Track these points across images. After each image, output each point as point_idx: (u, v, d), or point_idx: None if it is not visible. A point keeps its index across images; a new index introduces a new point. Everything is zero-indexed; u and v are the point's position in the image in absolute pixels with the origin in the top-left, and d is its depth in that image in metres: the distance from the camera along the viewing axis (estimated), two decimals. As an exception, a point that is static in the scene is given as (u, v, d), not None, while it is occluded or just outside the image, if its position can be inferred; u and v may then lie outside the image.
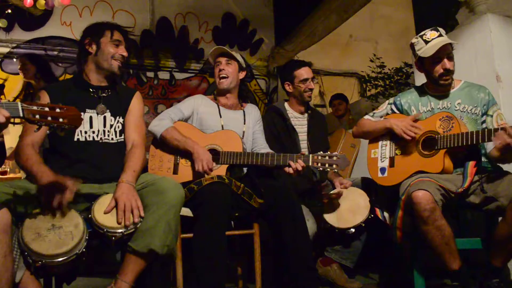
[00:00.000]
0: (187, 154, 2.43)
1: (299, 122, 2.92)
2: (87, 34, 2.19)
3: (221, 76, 2.64)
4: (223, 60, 2.66)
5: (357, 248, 2.66)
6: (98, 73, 2.19)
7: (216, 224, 2.12)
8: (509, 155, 2.13)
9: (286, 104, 2.98)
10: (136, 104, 2.28)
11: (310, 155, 2.33)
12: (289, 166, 2.32)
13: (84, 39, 2.19)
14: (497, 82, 2.78)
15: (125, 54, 2.19)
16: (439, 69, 2.35)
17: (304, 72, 2.90)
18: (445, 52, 2.33)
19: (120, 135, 2.19)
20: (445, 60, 2.34)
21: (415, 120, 2.40)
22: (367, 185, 2.73)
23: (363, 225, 2.54)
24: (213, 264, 2.07)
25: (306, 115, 2.98)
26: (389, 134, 2.49)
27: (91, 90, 2.18)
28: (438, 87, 2.42)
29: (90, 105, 2.15)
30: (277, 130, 2.84)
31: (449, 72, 2.35)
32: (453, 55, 2.38)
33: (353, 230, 2.54)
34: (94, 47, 2.16)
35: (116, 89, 2.25)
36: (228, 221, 2.36)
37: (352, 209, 2.59)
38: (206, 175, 2.31)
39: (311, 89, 2.89)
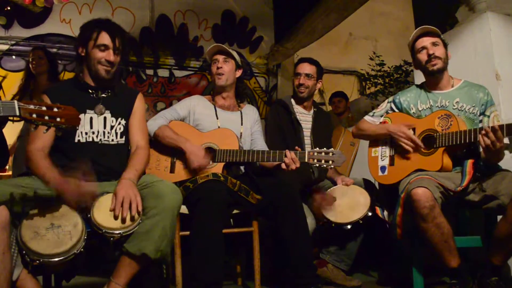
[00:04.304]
0: (182, 153, 2.43)
1: (304, 118, 2.91)
2: (79, 37, 2.16)
3: (218, 73, 2.63)
4: (220, 57, 2.65)
5: (352, 250, 2.64)
6: (91, 76, 2.16)
7: (212, 221, 2.12)
8: (490, 154, 2.13)
9: (292, 99, 2.98)
10: (140, 106, 2.27)
11: (306, 151, 2.33)
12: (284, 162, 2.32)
13: (77, 41, 2.17)
14: (496, 81, 2.77)
15: (111, 59, 2.09)
16: (424, 57, 2.40)
17: (298, 67, 2.93)
18: (429, 41, 2.39)
19: (121, 137, 2.18)
20: (429, 46, 2.39)
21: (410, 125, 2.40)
22: (368, 186, 2.73)
23: (361, 222, 2.53)
24: (210, 261, 2.08)
25: (311, 112, 2.97)
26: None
27: (90, 91, 2.17)
28: (431, 77, 2.44)
29: (91, 106, 2.13)
30: (282, 123, 2.83)
31: (430, 57, 2.38)
32: (442, 44, 2.41)
33: (349, 226, 2.52)
34: (84, 51, 2.14)
35: (116, 89, 2.22)
36: (226, 219, 2.36)
37: (351, 206, 2.58)
38: (200, 174, 2.30)
39: (301, 84, 2.87)
